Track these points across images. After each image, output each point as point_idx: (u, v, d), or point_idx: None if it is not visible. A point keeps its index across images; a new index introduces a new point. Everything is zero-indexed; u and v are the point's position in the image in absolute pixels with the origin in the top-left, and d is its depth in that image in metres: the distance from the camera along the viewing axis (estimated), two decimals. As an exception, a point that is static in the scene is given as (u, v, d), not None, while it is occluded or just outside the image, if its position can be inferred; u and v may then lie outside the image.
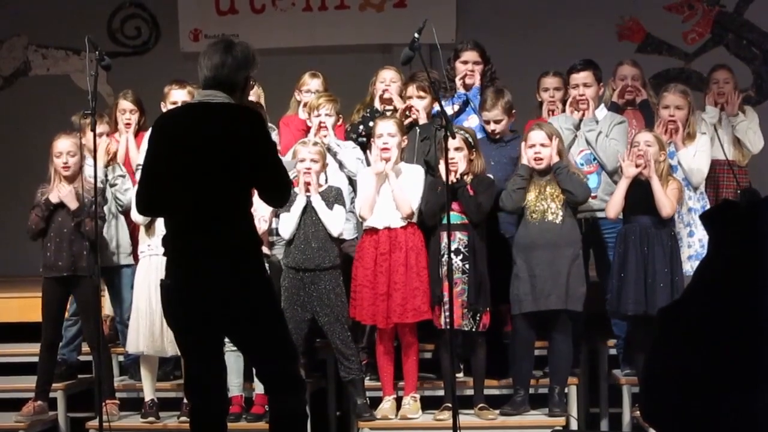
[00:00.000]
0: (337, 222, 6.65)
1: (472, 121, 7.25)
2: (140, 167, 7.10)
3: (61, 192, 6.80)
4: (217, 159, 4.76)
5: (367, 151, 6.92)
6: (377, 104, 7.29)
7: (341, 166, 7.01)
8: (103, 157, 7.08)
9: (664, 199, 6.54)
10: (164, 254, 4.99)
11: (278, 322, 4.99)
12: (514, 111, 7.03)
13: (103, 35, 10.18)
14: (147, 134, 7.31)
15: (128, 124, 7.55)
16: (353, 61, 9.67)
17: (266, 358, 4.93)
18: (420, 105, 7.09)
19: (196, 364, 4.94)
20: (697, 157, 6.99)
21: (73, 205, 6.79)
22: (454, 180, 6.46)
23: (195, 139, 4.80)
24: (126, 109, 7.57)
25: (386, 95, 7.27)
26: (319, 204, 6.60)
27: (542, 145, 6.58)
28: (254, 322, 4.83)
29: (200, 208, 4.78)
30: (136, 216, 6.72)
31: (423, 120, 7.09)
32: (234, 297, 4.77)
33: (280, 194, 4.99)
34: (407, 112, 7.10)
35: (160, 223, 6.67)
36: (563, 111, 7.28)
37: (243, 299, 4.78)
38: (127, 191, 7.05)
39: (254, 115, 4.97)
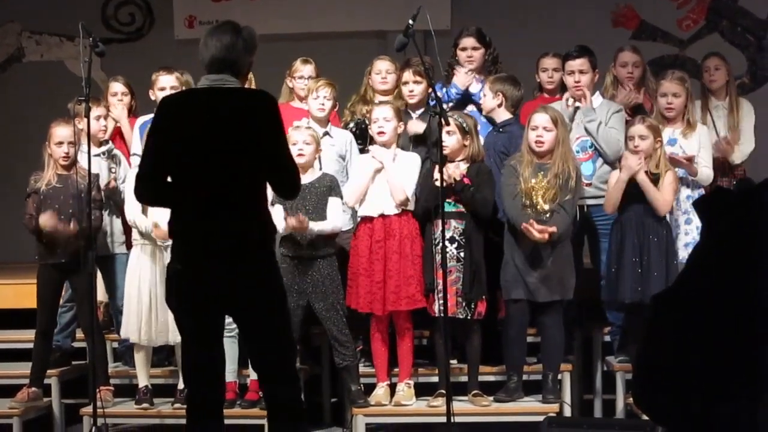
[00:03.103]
0: (336, 220, 6.62)
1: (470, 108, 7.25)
2: (136, 155, 7.16)
3: (48, 224, 6.71)
4: (234, 145, 4.74)
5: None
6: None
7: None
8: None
9: (658, 198, 6.52)
10: (170, 236, 4.98)
11: (284, 312, 5.00)
12: (499, 94, 6.94)
13: (97, 22, 10.17)
14: (139, 120, 7.38)
15: (120, 103, 7.57)
16: (348, 47, 9.66)
17: (267, 347, 4.90)
18: (417, 89, 7.09)
19: (198, 350, 4.92)
20: (702, 155, 6.93)
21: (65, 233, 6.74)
22: (453, 182, 6.44)
23: (211, 125, 4.76)
24: (118, 92, 7.59)
25: (384, 86, 7.27)
26: (317, 227, 6.55)
27: (545, 128, 6.56)
28: (261, 309, 4.82)
29: (215, 194, 4.75)
30: (128, 214, 6.75)
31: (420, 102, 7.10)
32: (244, 282, 4.76)
33: (291, 184, 4.98)
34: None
35: (152, 210, 6.66)
36: (561, 92, 7.28)
37: (253, 285, 4.77)
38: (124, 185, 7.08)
39: (270, 100, 4.94)
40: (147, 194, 5.05)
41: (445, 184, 6.24)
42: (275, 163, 4.84)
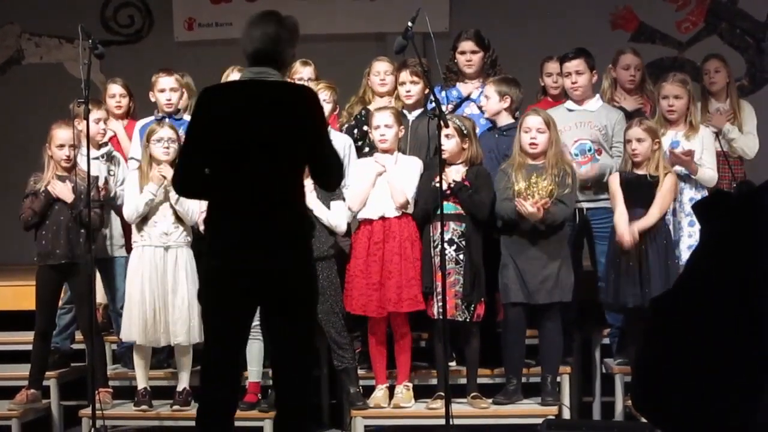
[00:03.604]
0: (339, 219, 6.64)
1: (473, 108, 7.24)
2: (134, 159, 7.15)
3: (56, 188, 6.78)
4: (276, 139, 4.70)
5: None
6: (371, 106, 7.22)
7: None
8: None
9: (652, 222, 6.54)
10: (205, 232, 4.93)
11: (313, 314, 5.00)
12: (507, 97, 6.95)
13: (97, 24, 10.17)
14: (139, 123, 7.38)
15: (119, 106, 7.56)
16: (347, 49, 9.66)
17: (290, 347, 4.83)
18: (414, 90, 7.08)
19: (222, 348, 4.83)
20: (705, 158, 6.93)
21: (69, 199, 6.77)
22: (452, 183, 6.45)
23: (253, 118, 4.71)
24: (116, 94, 7.58)
25: (383, 88, 7.26)
26: (317, 205, 6.58)
27: (538, 131, 6.56)
28: (291, 308, 4.76)
29: (254, 189, 4.71)
30: (128, 214, 6.73)
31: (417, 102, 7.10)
32: (278, 280, 4.71)
33: (336, 174, 4.98)
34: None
35: (152, 214, 6.67)
36: (566, 96, 7.27)
37: (287, 283, 4.72)
38: (122, 187, 7.08)
39: (312, 96, 4.90)
40: (185, 186, 4.97)
41: (444, 185, 6.24)
42: (319, 155, 4.81)
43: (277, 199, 4.75)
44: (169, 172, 6.55)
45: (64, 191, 6.78)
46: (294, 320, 4.80)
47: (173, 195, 6.62)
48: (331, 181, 5.09)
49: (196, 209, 6.68)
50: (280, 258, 4.72)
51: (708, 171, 6.93)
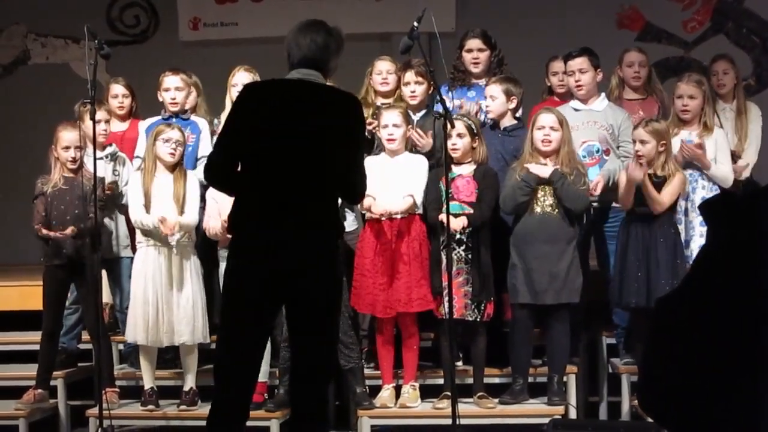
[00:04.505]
0: None
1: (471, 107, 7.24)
2: (138, 157, 7.15)
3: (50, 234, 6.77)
4: (319, 140, 4.70)
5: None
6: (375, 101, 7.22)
7: None
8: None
9: (655, 200, 6.50)
10: (231, 231, 4.85)
11: (336, 318, 4.94)
12: (514, 98, 6.96)
13: (102, 24, 10.19)
14: (145, 122, 7.38)
15: (121, 106, 7.56)
16: (352, 49, 9.60)
17: (313, 349, 4.80)
18: (419, 90, 7.07)
19: (241, 352, 4.77)
20: (719, 157, 6.92)
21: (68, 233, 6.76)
22: (458, 229, 6.45)
23: (299, 116, 4.70)
24: (118, 94, 7.57)
25: (385, 88, 7.24)
26: None
27: (552, 128, 6.56)
28: (316, 311, 4.73)
29: (289, 189, 4.68)
30: (134, 220, 6.73)
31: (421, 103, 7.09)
32: (304, 282, 4.67)
33: (358, 192, 5.03)
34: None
35: (156, 207, 6.66)
36: (572, 96, 7.26)
37: (313, 286, 4.69)
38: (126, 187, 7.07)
39: (359, 106, 4.93)
40: (216, 177, 4.93)
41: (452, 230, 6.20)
42: (349, 168, 4.82)
43: (308, 200, 4.72)
44: (172, 222, 6.58)
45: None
46: (318, 323, 4.77)
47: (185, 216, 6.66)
48: (350, 195, 5.13)
49: (194, 219, 6.71)
50: (307, 261, 4.68)
51: (723, 168, 6.91)
